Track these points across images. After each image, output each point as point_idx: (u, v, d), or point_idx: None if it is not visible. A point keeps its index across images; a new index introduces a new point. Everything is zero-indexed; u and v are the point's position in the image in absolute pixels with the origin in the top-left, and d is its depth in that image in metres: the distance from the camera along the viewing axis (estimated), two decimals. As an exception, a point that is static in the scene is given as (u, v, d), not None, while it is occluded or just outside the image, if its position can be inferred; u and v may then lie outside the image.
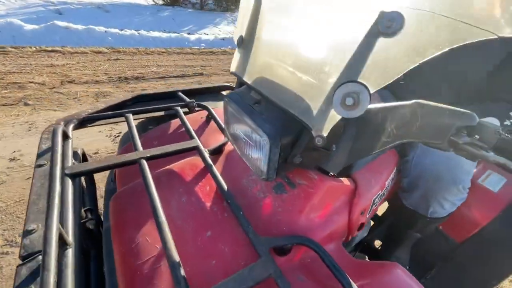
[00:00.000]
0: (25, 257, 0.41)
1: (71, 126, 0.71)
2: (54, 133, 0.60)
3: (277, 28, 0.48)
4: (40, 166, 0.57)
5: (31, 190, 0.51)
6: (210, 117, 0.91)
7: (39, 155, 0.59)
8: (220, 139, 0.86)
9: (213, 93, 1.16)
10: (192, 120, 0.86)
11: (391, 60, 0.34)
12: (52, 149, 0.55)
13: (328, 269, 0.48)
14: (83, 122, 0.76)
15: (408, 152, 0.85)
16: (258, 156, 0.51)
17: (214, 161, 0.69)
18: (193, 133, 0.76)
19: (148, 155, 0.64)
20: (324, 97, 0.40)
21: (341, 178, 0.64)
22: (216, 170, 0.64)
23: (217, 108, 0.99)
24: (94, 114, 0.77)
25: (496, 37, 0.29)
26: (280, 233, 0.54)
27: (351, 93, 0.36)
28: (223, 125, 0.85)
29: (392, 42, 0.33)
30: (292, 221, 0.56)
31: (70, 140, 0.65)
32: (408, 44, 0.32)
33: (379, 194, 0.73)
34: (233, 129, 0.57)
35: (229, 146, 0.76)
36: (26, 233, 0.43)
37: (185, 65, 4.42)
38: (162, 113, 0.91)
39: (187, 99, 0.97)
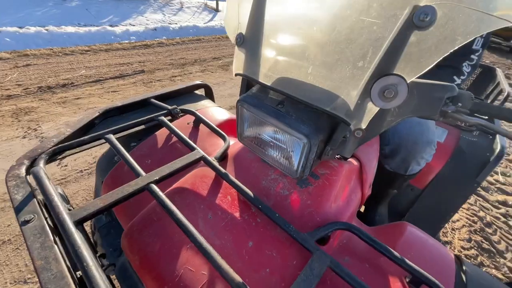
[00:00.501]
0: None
1: (41, 164, 0.57)
2: (37, 176, 0.47)
3: (293, 22, 0.47)
4: (27, 222, 0.45)
5: (33, 256, 0.41)
6: (199, 121, 0.84)
7: (19, 209, 0.47)
8: (217, 143, 0.82)
9: (186, 94, 1.07)
10: (179, 128, 0.79)
11: (424, 51, 0.37)
12: (47, 197, 0.45)
13: (364, 244, 0.53)
14: (53, 155, 0.62)
15: None
16: (289, 156, 0.51)
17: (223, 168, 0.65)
18: (192, 143, 0.70)
19: (157, 177, 0.57)
20: (359, 91, 0.42)
21: (349, 160, 0.69)
22: (233, 178, 0.61)
23: (201, 109, 0.93)
24: (66, 144, 0.64)
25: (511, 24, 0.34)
26: (316, 224, 0.57)
27: (390, 86, 0.39)
28: (216, 128, 0.81)
29: (425, 34, 0.36)
30: (322, 210, 0.59)
31: (50, 181, 0.53)
32: (440, 36, 0.36)
33: (376, 165, 0.81)
34: (254, 132, 0.55)
35: (232, 150, 0.73)
36: (54, 308, 0.35)
37: (119, 63, 3.90)
38: (142, 126, 0.81)
39: (165, 105, 0.88)
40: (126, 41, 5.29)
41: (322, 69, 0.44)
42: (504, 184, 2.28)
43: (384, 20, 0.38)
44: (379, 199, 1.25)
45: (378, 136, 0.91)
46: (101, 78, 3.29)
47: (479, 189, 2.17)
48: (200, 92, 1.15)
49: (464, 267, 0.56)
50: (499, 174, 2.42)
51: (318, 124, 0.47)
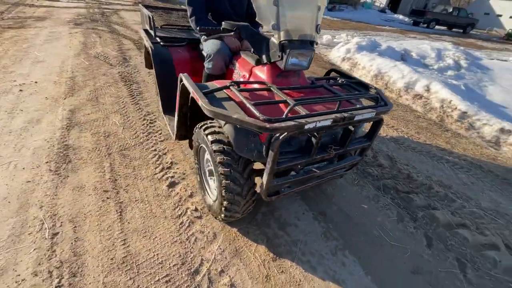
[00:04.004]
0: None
1: None
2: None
3: (294, 8, 1.32)
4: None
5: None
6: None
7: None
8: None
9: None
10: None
11: (320, 11, 1.44)
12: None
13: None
14: None
15: None
16: (306, 60, 1.45)
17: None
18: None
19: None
20: (314, 30, 1.43)
21: None
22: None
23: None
24: None
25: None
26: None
27: (319, 27, 1.44)
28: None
29: (321, 9, 1.42)
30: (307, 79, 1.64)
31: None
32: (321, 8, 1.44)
33: None
34: (292, 60, 1.40)
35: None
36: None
37: None
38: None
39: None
40: None
41: (308, 24, 1.39)
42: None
43: (318, 4, 1.38)
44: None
45: None
46: None
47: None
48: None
49: None
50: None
51: (311, 46, 1.44)
